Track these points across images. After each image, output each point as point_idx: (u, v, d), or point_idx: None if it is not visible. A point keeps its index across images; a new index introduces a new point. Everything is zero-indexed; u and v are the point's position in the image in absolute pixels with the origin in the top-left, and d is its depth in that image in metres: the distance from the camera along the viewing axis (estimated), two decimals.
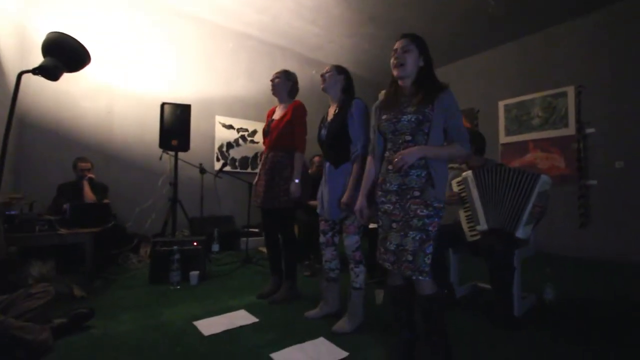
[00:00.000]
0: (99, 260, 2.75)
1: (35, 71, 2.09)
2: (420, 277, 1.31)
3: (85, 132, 3.51)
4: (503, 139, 4.76)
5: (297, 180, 2.16)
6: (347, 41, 4.88)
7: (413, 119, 1.36)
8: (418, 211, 1.32)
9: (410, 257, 1.32)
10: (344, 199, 1.77)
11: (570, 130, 4.07)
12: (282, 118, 2.27)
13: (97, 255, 2.67)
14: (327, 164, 1.95)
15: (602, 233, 3.79)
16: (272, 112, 2.44)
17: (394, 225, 1.39)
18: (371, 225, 2.64)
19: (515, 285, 1.97)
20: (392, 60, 1.44)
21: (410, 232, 1.33)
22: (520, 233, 1.95)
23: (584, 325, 1.91)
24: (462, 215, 2.17)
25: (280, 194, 2.21)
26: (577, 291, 2.55)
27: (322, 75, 1.96)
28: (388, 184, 1.43)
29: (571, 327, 1.89)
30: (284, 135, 2.24)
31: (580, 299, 2.38)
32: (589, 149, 3.94)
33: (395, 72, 1.43)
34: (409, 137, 1.39)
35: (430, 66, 1.44)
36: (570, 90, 4.09)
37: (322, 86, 1.96)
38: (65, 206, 2.59)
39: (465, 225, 2.14)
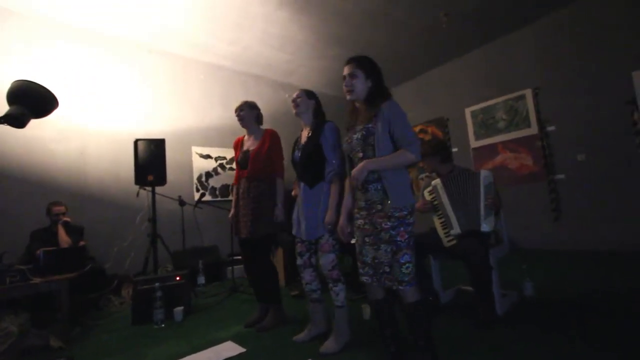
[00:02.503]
0: (77, 306, 2.65)
1: (1, 120, 2.08)
2: (400, 287, 1.35)
3: (57, 175, 3.46)
4: (473, 143, 4.97)
5: (279, 204, 2.22)
6: (316, 63, 5.07)
7: (359, 137, 1.46)
8: (383, 224, 1.38)
9: (387, 269, 1.37)
10: (327, 218, 1.80)
11: (533, 129, 4.31)
12: (261, 147, 2.31)
13: (76, 301, 2.57)
14: (302, 185, 1.99)
15: (573, 224, 3.95)
16: (239, 142, 2.48)
17: (367, 239, 1.45)
18: (353, 241, 2.67)
19: (494, 284, 2.03)
20: (343, 87, 1.54)
21: (382, 245, 1.38)
22: (484, 227, 2.05)
23: (564, 317, 1.97)
24: (437, 222, 2.24)
25: (267, 221, 2.22)
26: (555, 284, 2.64)
27: (294, 101, 2.03)
28: (359, 201, 1.50)
29: (552, 320, 1.94)
30: (266, 164, 2.28)
31: (559, 291, 2.45)
32: (553, 146, 4.16)
33: (347, 97, 1.53)
34: (360, 154, 1.48)
35: (378, 85, 1.49)
36: (528, 93, 4.35)
37: (294, 111, 2.04)
38: (38, 252, 2.52)
39: (440, 232, 2.21)
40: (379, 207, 1.40)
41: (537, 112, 4.27)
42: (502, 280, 2.15)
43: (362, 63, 1.51)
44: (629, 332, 1.67)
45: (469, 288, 2.48)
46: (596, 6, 3.79)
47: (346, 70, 1.52)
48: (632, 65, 3.53)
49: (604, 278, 2.69)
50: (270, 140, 2.31)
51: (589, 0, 3.84)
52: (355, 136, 1.47)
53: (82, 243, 3.02)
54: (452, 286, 2.63)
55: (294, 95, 2.06)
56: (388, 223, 1.37)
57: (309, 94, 2.05)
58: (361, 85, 1.49)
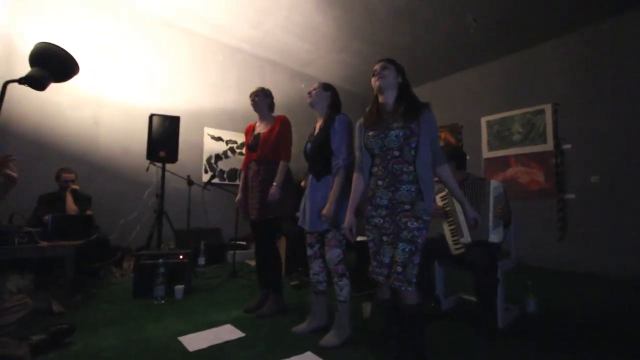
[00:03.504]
0: (80, 274, 2.67)
1: (22, 81, 2.06)
2: (409, 288, 1.35)
3: (70, 142, 3.46)
4: (486, 153, 4.92)
5: (275, 184, 2.21)
6: (335, 56, 5.01)
7: (401, 134, 1.42)
8: (408, 223, 1.37)
9: (399, 269, 1.36)
10: (325, 210, 1.79)
11: (549, 146, 4.25)
12: (271, 131, 2.32)
13: (79, 269, 2.59)
14: (310, 177, 2.00)
15: (579, 246, 3.92)
16: (252, 128, 2.50)
17: (385, 238, 1.44)
18: (359, 238, 2.67)
19: (498, 297, 2.02)
20: (372, 79, 1.55)
21: (400, 244, 1.37)
22: (492, 238, 2.04)
23: (564, 336, 1.96)
24: (446, 228, 2.22)
25: (275, 204, 2.23)
26: (558, 302, 2.63)
27: (309, 92, 2.04)
28: (378, 199, 1.47)
29: (553, 337, 1.93)
30: (275, 148, 2.29)
31: (561, 310, 2.44)
32: (566, 165, 4.11)
33: (377, 84, 1.52)
34: (397, 153, 1.44)
35: (408, 84, 1.55)
36: (548, 108, 4.29)
37: (308, 101, 2.04)
38: (47, 217, 2.53)
39: (449, 239, 2.20)
40: (407, 207, 1.40)
41: (555, 128, 4.22)
42: (504, 294, 2.14)
43: (393, 61, 1.56)
44: (620, 354, 1.67)
45: (471, 297, 2.48)
46: (629, 27, 3.70)
47: (377, 66, 1.55)
48: None
49: (605, 300, 2.68)
50: (280, 125, 2.33)
51: (617, 21, 3.75)
52: (393, 132, 1.44)
53: (89, 212, 3.04)
54: (454, 294, 2.63)
55: (311, 88, 2.05)
56: (415, 223, 1.37)
57: (325, 86, 2.05)
58: (392, 78, 1.51)
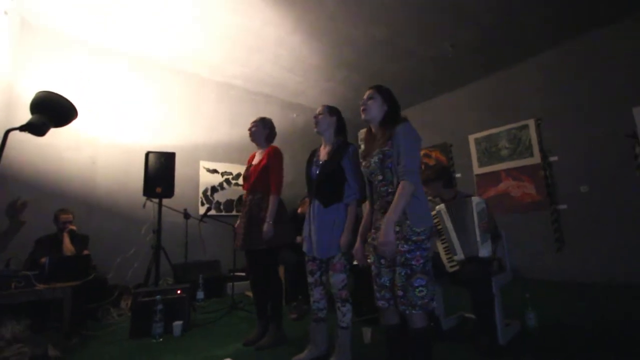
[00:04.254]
0: (78, 316, 2.63)
1: (23, 128, 2.16)
2: (413, 311, 1.34)
3: (68, 183, 3.53)
4: (477, 170, 5.02)
5: (269, 221, 2.20)
6: (325, 85, 5.23)
7: (377, 160, 1.50)
8: (399, 247, 1.38)
9: (400, 293, 1.37)
10: (343, 240, 1.82)
11: (536, 159, 4.36)
12: (259, 163, 2.39)
13: (77, 311, 2.56)
14: (316, 203, 1.96)
15: (576, 256, 3.93)
16: (253, 157, 2.56)
17: (382, 261, 1.47)
18: (355, 262, 2.68)
19: (497, 313, 2.02)
20: (360, 107, 1.62)
21: (397, 268, 1.40)
22: (482, 252, 2.07)
23: (567, 349, 1.95)
24: (440, 246, 2.26)
25: (259, 236, 2.23)
26: (558, 315, 2.60)
27: (315, 117, 2.02)
28: (376, 222, 1.54)
29: (555, 352, 1.92)
30: (261, 179, 2.34)
31: (561, 322, 2.42)
32: (555, 176, 4.20)
33: (362, 116, 1.61)
34: (380, 177, 1.52)
35: (394, 110, 1.58)
36: (531, 123, 4.44)
37: (315, 129, 2.03)
38: (44, 260, 2.54)
39: (444, 257, 2.22)
40: (397, 229, 1.40)
41: (540, 142, 4.35)
42: (504, 309, 2.14)
43: (381, 89, 1.62)
44: None
45: (472, 315, 2.46)
46: (600, 41, 3.92)
47: (366, 94, 1.63)
48: (632, 99, 3.62)
49: (606, 310, 2.66)
50: (268, 157, 2.35)
51: (592, 35, 3.98)
52: (373, 160, 1.52)
53: (86, 252, 3.04)
54: (455, 313, 2.61)
55: (317, 112, 2.06)
56: (405, 246, 1.37)
57: (331, 111, 2.04)
58: (377, 108, 1.57)
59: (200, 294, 3.73)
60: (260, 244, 2.24)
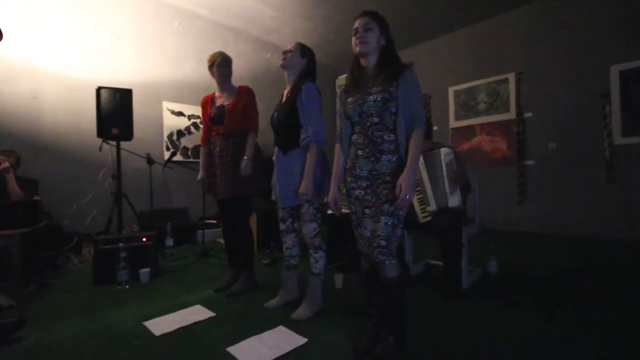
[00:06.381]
0: (31, 264, 2.47)
1: None
2: (392, 261, 1.32)
3: (7, 121, 3.08)
4: (453, 123, 5.01)
5: (246, 157, 2.12)
6: (302, 24, 4.75)
7: (379, 99, 1.31)
8: (390, 196, 1.30)
9: (383, 243, 1.31)
10: (302, 189, 1.72)
11: (511, 114, 4.39)
12: (237, 102, 2.18)
13: (28, 259, 2.39)
14: (277, 149, 1.89)
15: (537, 209, 4.18)
16: (209, 99, 2.31)
17: (367, 211, 1.36)
18: (329, 211, 2.65)
19: (463, 261, 2.10)
20: (353, 39, 1.38)
21: (382, 217, 1.31)
22: (451, 202, 2.09)
23: (523, 293, 2.10)
24: (414, 197, 2.24)
25: (248, 180, 2.15)
26: (516, 263, 2.80)
27: (284, 52, 1.85)
28: (358, 170, 1.38)
29: (512, 295, 2.06)
30: (239, 120, 2.17)
31: (520, 270, 2.61)
32: (527, 132, 4.28)
33: (357, 49, 1.37)
34: (376, 119, 1.34)
35: (392, 45, 1.40)
36: (512, 77, 4.38)
37: (281, 63, 1.85)
38: None
39: (417, 207, 2.22)
40: (388, 178, 1.31)
41: (517, 97, 4.33)
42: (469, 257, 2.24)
43: (378, 17, 1.38)
44: (577, 305, 1.82)
45: (438, 262, 2.57)
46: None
47: (358, 23, 1.37)
48: (613, 58, 3.61)
49: (563, 259, 2.90)
50: (247, 96, 2.22)
51: None
52: (371, 97, 1.33)
53: (36, 198, 2.77)
54: (421, 260, 2.72)
55: (288, 47, 1.87)
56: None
57: (304, 51, 1.86)
58: (375, 40, 1.36)
59: (169, 241, 3.63)
60: (249, 189, 2.17)
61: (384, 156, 1.33)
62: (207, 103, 2.31)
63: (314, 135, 1.73)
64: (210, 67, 2.24)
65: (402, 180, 1.25)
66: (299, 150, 1.78)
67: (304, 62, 1.86)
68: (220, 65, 2.21)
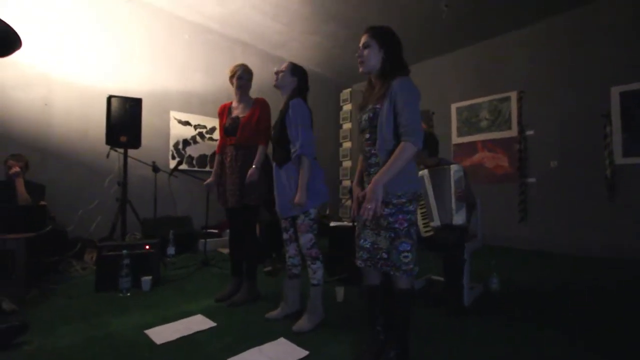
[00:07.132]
0: (35, 268, 2.48)
1: None
2: (397, 273, 1.33)
3: (18, 126, 3.15)
4: (455, 139, 5.06)
5: (254, 166, 2.16)
6: (308, 39, 4.87)
7: (367, 117, 1.38)
8: (381, 210, 1.32)
9: (385, 255, 1.35)
10: (297, 199, 1.77)
11: (513, 132, 4.44)
12: (252, 115, 2.24)
13: (34, 263, 2.40)
14: (274, 164, 1.98)
15: (538, 227, 4.18)
16: (226, 108, 2.37)
17: (367, 223, 1.41)
18: (332, 224, 2.67)
19: (465, 277, 2.10)
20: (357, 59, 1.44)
21: (382, 232, 1.35)
22: (456, 220, 2.11)
23: (524, 310, 2.09)
24: (418, 211, 2.26)
25: (256, 191, 2.19)
26: (518, 280, 2.79)
27: (276, 73, 1.95)
28: (365, 184, 1.44)
29: (514, 312, 2.05)
30: (253, 132, 2.23)
31: (521, 287, 2.60)
32: (529, 150, 4.32)
33: (359, 69, 1.43)
34: (367, 135, 1.40)
35: (394, 58, 1.38)
36: (514, 95, 4.45)
37: (274, 83, 1.95)
38: None
39: (420, 221, 2.24)
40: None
41: (519, 115, 4.39)
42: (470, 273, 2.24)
43: (377, 32, 1.40)
44: (577, 323, 1.81)
45: (439, 278, 2.57)
46: (589, 19, 3.87)
47: (361, 40, 1.42)
48: (614, 79, 3.67)
49: (564, 278, 2.88)
50: (261, 109, 2.27)
51: (582, 12, 3.91)
52: (364, 117, 1.40)
53: (42, 203, 2.80)
54: (422, 275, 2.72)
55: (280, 67, 1.97)
56: (386, 209, 1.32)
57: (294, 70, 1.95)
58: (374, 57, 1.38)
59: (171, 250, 3.64)
60: (254, 199, 2.19)
61: (372, 169, 1.40)
62: (224, 112, 2.36)
63: (300, 148, 1.79)
64: (231, 77, 2.32)
65: (367, 190, 1.30)
66: (291, 164, 1.86)
67: (294, 81, 1.95)
68: (240, 77, 2.29)
